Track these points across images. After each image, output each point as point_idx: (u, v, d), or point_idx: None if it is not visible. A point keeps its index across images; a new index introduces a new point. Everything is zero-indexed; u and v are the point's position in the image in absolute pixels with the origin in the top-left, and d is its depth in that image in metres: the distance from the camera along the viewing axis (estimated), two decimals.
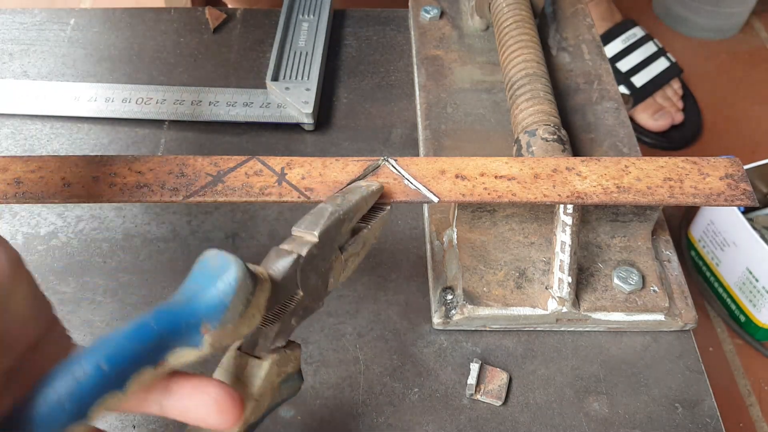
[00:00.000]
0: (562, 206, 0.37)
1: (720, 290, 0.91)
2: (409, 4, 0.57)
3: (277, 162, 0.35)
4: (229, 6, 0.68)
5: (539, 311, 0.38)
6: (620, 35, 1.10)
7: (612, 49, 1.10)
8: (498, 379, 0.37)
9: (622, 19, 1.12)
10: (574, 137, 0.47)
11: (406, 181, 0.35)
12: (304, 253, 0.27)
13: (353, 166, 0.35)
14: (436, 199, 0.34)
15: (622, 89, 1.08)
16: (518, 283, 0.39)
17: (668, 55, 1.11)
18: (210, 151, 0.48)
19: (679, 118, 1.09)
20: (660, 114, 1.09)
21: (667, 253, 0.42)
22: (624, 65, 1.09)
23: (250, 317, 0.24)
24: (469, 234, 0.40)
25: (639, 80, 1.09)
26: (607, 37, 1.10)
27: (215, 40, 0.56)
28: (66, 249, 0.42)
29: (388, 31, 0.58)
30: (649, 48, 1.10)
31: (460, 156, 0.36)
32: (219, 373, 0.27)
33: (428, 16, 0.55)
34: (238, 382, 0.26)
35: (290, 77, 0.51)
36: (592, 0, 1.09)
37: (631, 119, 1.09)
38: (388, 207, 0.33)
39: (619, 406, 0.37)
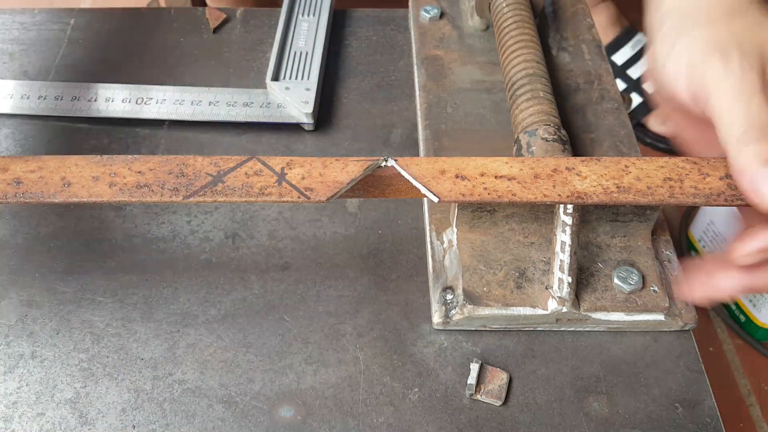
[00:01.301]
0: (562, 206, 0.37)
1: None
2: (409, 4, 0.57)
3: (277, 162, 0.35)
4: (230, 6, 0.68)
5: (539, 311, 0.38)
6: (628, 42, 1.10)
7: (622, 56, 1.10)
8: (498, 379, 0.37)
9: (629, 23, 1.12)
10: (574, 137, 0.48)
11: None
12: None
13: (353, 166, 0.35)
14: (436, 199, 0.34)
15: (635, 97, 1.09)
16: (518, 283, 0.39)
17: None
18: (210, 151, 0.48)
19: None
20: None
21: (667, 253, 0.42)
22: (635, 72, 1.09)
23: None
24: (469, 234, 0.40)
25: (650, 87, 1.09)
26: (616, 46, 1.10)
27: (215, 40, 0.56)
28: (66, 249, 0.42)
29: (388, 31, 0.58)
30: None
31: (460, 156, 0.36)
32: None
33: (428, 16, 0.55)
34: None
35: (290, 77, 0.51)
36: (601, 3, 1.09)
37: (644, 126, 1.10)
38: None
39: (619, 406, 0.37)
